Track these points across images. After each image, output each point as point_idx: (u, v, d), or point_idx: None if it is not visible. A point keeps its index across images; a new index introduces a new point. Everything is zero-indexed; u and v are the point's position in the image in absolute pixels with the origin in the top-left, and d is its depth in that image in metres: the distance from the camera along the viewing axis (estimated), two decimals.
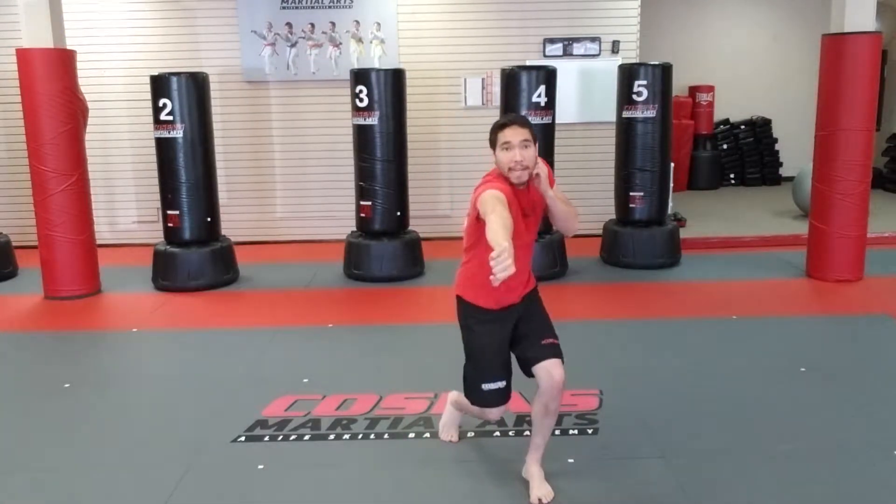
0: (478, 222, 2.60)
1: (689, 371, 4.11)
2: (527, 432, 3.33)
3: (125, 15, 7.47)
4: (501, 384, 2.82)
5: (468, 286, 2.82)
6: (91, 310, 5.59)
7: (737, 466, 3.07)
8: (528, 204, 2.72)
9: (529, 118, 5.84)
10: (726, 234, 7.45)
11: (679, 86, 9.65)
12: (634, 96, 6.32)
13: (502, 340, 2.81)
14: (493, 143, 2.68)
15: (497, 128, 2.68)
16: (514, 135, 2.61)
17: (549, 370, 2.71)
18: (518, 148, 2.60)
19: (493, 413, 2.90)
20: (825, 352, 4.42)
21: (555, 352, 2.75)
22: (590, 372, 4.07)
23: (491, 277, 2.18)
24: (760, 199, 9.74)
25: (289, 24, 7.45)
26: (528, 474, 2.91)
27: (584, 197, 7.70)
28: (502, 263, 2.15)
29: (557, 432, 3.36)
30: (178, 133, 5.88)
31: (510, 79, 5.98)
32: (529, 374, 2.81)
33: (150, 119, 6.01)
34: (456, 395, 3.20)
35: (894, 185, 10.13)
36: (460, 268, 2.87)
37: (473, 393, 2.87)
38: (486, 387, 2.82)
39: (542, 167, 2.67)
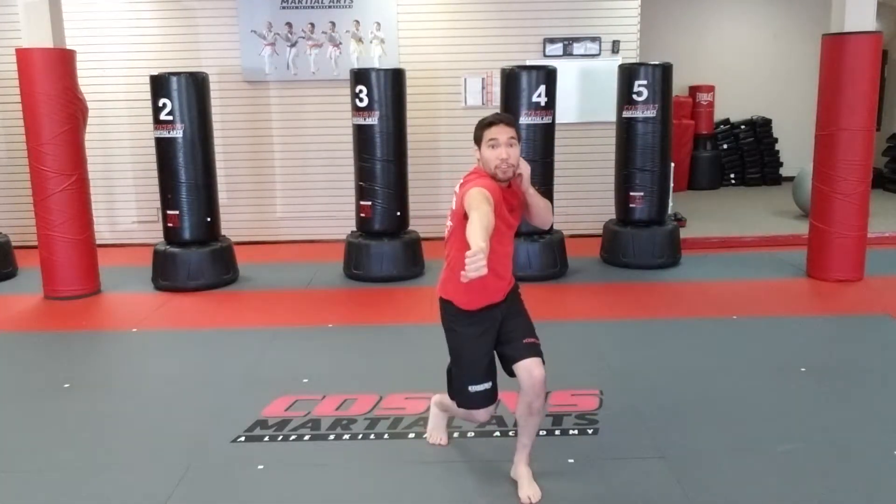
0: (464, 220, 2.56)
1: (689, 371, 4.11)
2: None
3: (125, 15, 7.47)
4: (488, 385, 2.82)
5: (450, 286, 2.78)
6: (91, 310, 5.58)
7: (737, 466, 3.06)
8: (514, 200, 2.74)
9: (529, 118, 5.92)
10: (726, 234, 7.44)
11: (679, 86, 9.63)
12: (634, 96, 6.31)
13: (488, 342, 2.79)
14: (478, 139, 2.70)
15: (484, 125, 2.69)
16: (501, 132, 2.63)
17: (529, 369, 2.70)
18: (504, 146, 2.62)
19: (481, 415, 2.89)
20: (825, 352, 4.42)
21: (535, 351, 2.74)
22: (590, 372, 4.08)
23: (462, 273, 2.17)
24: (761, 199, 9.73)
25: (289, 24, 7.45)
26: (516, 475, 2.90)
27: (584, 197, 7.72)
28: (476, 263, 2.14)
29: (557, 432, 3.37)
30: (177, 133, 5.88)
31: (510, 79, 5.98)
32: (511, 374, 2.80)
33: (150, 119, 6.01)
34: (439, 398, 3.16)
35: (894, 185, 10.13)
36: (444, 268, 2.83)
37: (460, 395, 2.86)
38: (472, 388, 2.81)
39: (524, 166, 2.71)
